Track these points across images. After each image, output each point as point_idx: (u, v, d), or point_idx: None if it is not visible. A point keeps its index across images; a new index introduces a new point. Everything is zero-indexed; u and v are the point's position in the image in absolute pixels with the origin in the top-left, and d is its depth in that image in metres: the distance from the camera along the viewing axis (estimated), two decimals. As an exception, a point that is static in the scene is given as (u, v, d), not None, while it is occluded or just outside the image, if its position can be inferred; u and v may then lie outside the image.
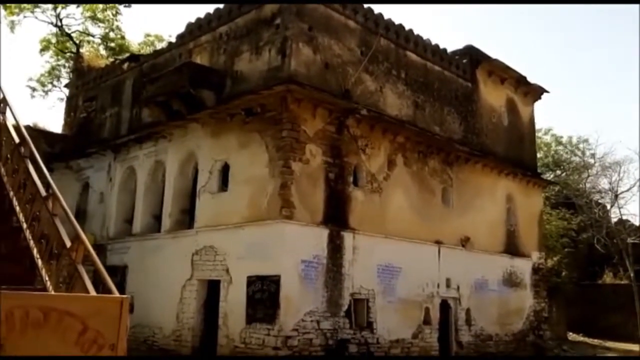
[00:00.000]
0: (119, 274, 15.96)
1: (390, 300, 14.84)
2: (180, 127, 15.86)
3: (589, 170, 32.40)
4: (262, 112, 13.71)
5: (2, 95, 8.22)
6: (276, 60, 13.92)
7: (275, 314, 12.45)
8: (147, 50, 29.07)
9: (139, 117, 18.05)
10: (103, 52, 29.54)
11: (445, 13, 67.49)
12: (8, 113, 8.04)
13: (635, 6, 37.75)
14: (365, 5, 15.68)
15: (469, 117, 18.83)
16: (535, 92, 21.98)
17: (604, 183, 31.00)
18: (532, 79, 21.49)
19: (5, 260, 6.30)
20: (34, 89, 30.87)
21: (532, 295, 20.45)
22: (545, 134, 36.03)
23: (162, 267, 15.33)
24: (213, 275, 14.10)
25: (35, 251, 6.11)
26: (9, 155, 7.49)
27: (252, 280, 13.01)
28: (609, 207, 30.52)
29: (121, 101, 19.25)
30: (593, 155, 32.56)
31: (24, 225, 6.55)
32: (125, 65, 20.04)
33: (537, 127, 24.99)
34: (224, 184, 14.67)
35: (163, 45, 27.21)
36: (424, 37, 17.40)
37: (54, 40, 30.47)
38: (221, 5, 15.99)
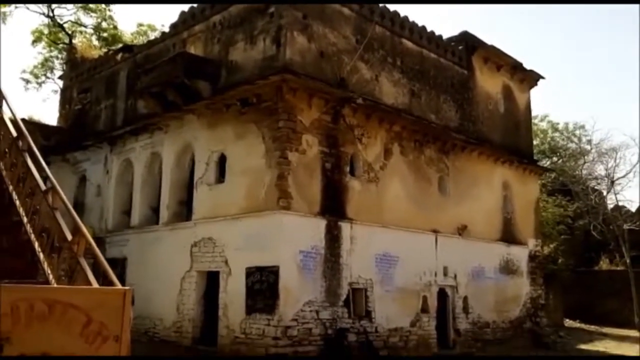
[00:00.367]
0: (119, 266, 15.96)
1: (388, 290, 14.91)
2: (176, 119, 15.81)
3: (585, 157, 32.56)
4: (257, 103, 13.68)
5: (-2, 89, 8.19)
6: (271, 49, 13.87)
7: (275, 304, 12.50)
8: (140, 40, 28.93)
9: (134, 108, 17.99)
10: (96, 42, 29.38)
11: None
12: (5, 107, 8.01)
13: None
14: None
15: (465, 104, 18.84)
16: (531, 79, 21.99)
17: (600, 169, 31.18)
18: (528, 66, 21.52)
19: (7, 254, 6.31)
20: (27, 81, 30.75)
21: (528, 282, 20.60)
22: (542, 120, 36.13)
23: (161, 259, 15.35)
24: (212, 267, 14.14)
25: (36, 245, 6.11)
26: (7, 150, 7.47)
27: (251, 271, 13.05)
28: (605, 193, 30.71)
29: (116, 92, 19.16)
30: (589, 142, 32.74)
31: (25, 219, 6.55)
32: (119, 56, 19.93)
33: (533, 113, 25.05)
34: (221, 175, 14.66)
35: (156, 34, 27.09)
36: (419, 24, 17.35)
37: (46, 32, 30.30)
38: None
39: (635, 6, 40.78)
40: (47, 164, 7.30)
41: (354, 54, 15.00)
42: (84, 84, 21.04)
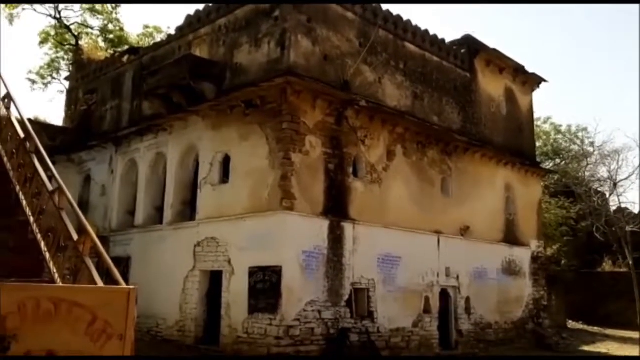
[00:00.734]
0: (123, 265, 16.12)
1: (390, 290, 15.00)
2: (181, 120, 15.96)
3: (588, 159, 32.46)
4: (262, 104, 13.81)
5: (6, 91, 8.33)
6: (275, 52, 14.00)
7: (277, 304, 12.61)
8: (146, 41, 29.12)
9: (140, 109, 18.14)
10: (102, 44, 29.59)
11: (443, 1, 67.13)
12: (13, 108, 8.16)
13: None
14: (364, -3, 15.71)
15: (468, 107, 18.92)
16: (533, 82, 22.06)
17: (603, 171, 31.09)
18: (530, 69, 21.60)
19: (13, 253, 6.45)
20: (33, 82, 30.99)
21: (531, 283, 20.65)
22: (545, 122, 36.13)
23: (164, 258, 15.49)
24: (215, 266, 14.26)
25: (42, 244, 6.24)
26: (14, 150, 7.61)
27: (254, 271, 13.16)
28: (608, 195, 30.68)
29: (122, 94, 19.33)
30: (592, 144, 32.64)
31: (31, 219, 6.68)
32: (125, 58, 20.11)
33: (536, 116, 25.14)
34: (225, 176, 14.78)
35: (162, 36, 27.29)
36: (422, 28, 17.45)
37: (52, 33, 30.51)
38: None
39: (636, 7, 40.68)
40: (53, 163, 7.43)
41: (357, 57, 15.10)
42: (90, 85, 21.22)
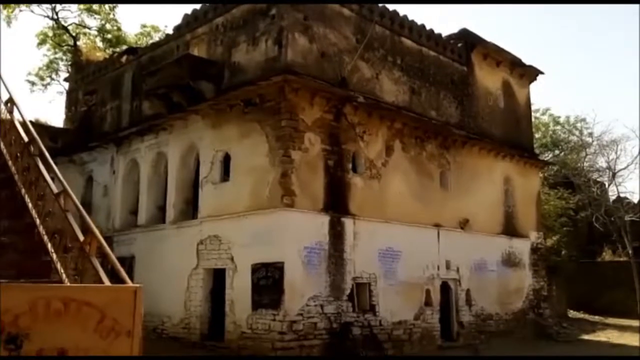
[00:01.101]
0: (126, 264, 16.25)
1: (391, 284, 15.17)
2: (181, 119, 16.09)
3: (587, 150, 32.66)
4: (260, 103, 13.94)
5: (9, 96, 8.48)
6: (273, 50, 14.12)
7: (280, 299, 12.78)
8: (144, 41, 29.24)
9: (140, 109, 18.28)
10: (100, 44, 29.67)
11: (441, -5, 67.08)
12: (15, 112, 8.30)
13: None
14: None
15: (465, 100, 19.04)
16: (530, 74, 22.16)
17: (601, 162, 31.30)
18: (527, 61, 21.69)
19: (21, 255, 6.61)
20: (33, 83, 31.10)
21: (531, 274, 20.82)
22: (543, 114, 36.21)
23: (168, 257, 15.65)
24: (218, 264, 14.43)
25: (49, 246, 6.40)
26: (18, 154, 7.76)
27: (256, 268, 13.33)
28: (607, 185, 30.84)
29: (121, 94, 19.45)
30: (591, 135, 32.83)
31: (37, 221, 6.84)
32: (124, 59, 20.23)
33: (534, 107, 25.20)
34: (225, 174, 14.93)
35: (160, 35, 27.39)
36: (419, 23, 17.55)
37: (50, 34, 30.58)
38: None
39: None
40: (55, 165, 7.57)
41: (354, 53, 15.22)
42: (90, 86, 21.35)
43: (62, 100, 26.51)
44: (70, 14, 30.06)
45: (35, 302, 4.32)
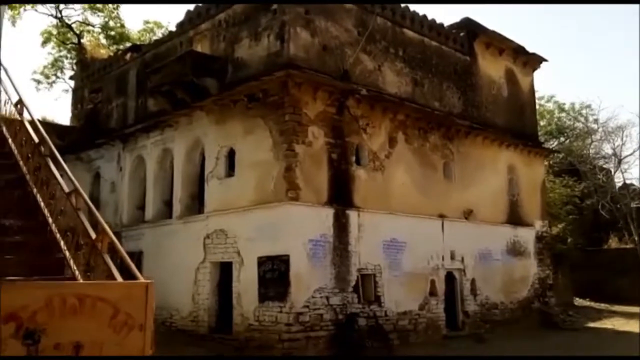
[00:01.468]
0: (135, 259, 16.39)
1: (396, 274, 15.33)
2: (186, 115, 16.25)
3: (592, 136, 32.65)
4: (264, 98, 14.08)
5: (18, 97, 8.67)
6: (275, 45, 14.24)
7: (286, 292, 12.97)
8: (147, 37, 29.40)
9: (145, 106, 18.45)
10: (104, 41, 29.84)
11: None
12: (25, 114, 8.49)
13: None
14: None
15: (468, 90, 19.09)
16: (534, 62, 22.13)
17: (607, 148, 31.31)
18: (531, 48, 21.67)
19: (35, 253, 6.81)
20: (38, 82, 31.35)
21: (536, 263, 20.91)
22: (548, 101, 36.16)
23: (175, 251, 15.87)
24: (225, 258, 14.63)
25: (62, 243, 6.59)
26: (29, 154, 7.96)
27: (262, 261, 13.52)
28: (612, 172, 30.86)
29: (126, 91, 19.64)
30: (596, 121, 32.81)
31: (50, 220, 7.04)
32: (128, 56, 20.40)
33: (539, 95, 25.14)
34: (230, 169, 15.09)
35: (163, 32, 27.51)
36: (420, 14, 17.58)
37: (54, 32, 30.79)
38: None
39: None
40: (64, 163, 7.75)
41: (356, 46, 15.30)
42: (95, 84, 21.54)
43: (68, 98, 26.70)
44: (74, 12, 30.27)
45: (51, 298, 4.51)
